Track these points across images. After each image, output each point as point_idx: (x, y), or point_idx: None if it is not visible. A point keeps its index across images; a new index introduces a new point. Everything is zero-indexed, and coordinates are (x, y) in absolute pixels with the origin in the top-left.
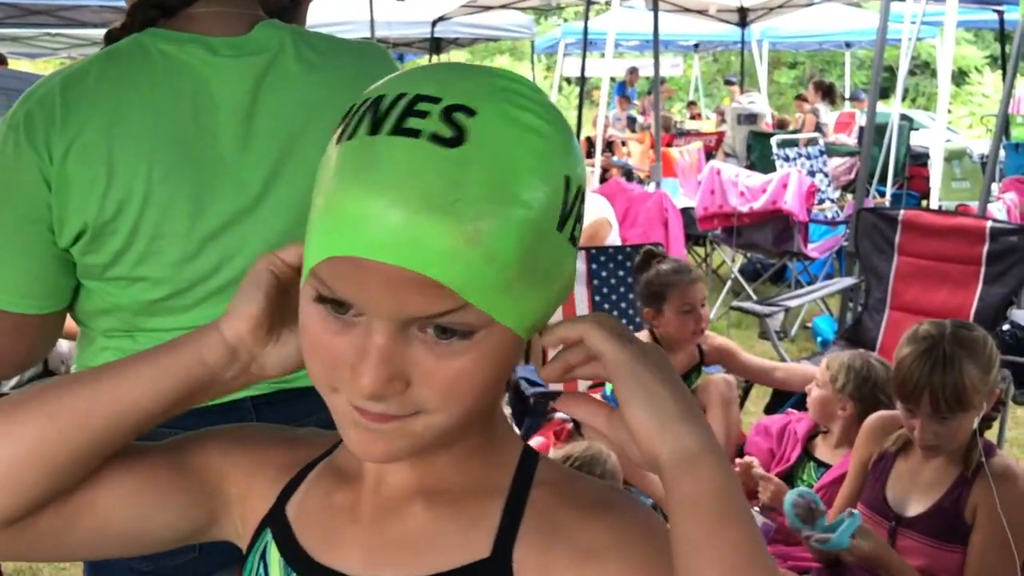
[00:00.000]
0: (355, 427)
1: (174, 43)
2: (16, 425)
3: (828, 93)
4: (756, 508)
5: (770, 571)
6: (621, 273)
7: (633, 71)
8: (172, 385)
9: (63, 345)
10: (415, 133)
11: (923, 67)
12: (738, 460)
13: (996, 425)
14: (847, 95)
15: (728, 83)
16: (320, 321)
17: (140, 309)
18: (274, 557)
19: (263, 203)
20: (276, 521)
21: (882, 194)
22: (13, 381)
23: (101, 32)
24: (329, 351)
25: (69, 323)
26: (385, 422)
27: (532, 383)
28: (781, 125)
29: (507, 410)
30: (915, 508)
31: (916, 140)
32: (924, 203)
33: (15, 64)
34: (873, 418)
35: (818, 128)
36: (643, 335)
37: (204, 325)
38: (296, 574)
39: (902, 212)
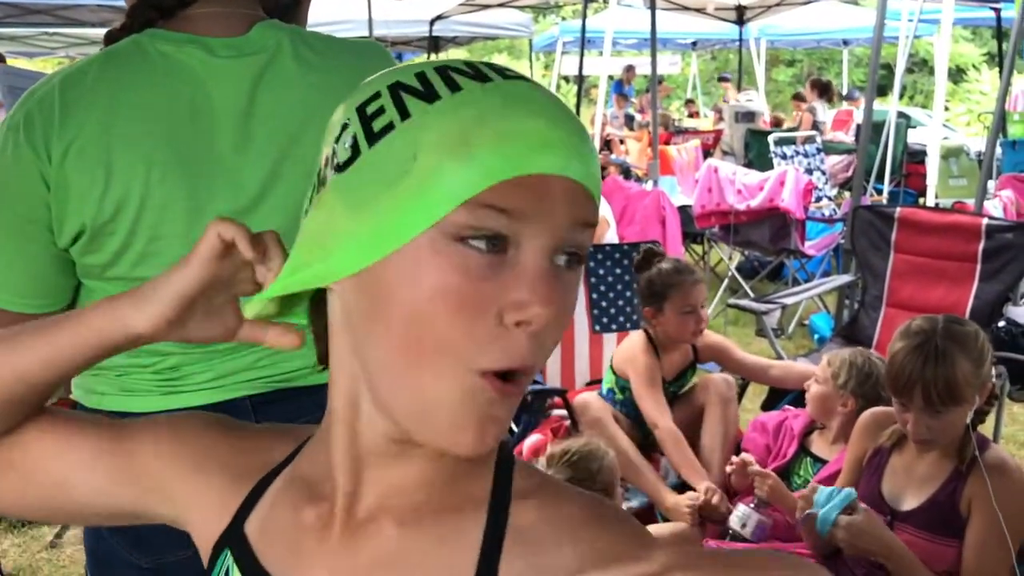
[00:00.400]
0: (473, 417)
1: (172, 44)
2: None
3: (824, 91)
4: (751, 505)
5: None
6: (618, 271)
7: (629, 69)
8: (92, 353)
9: None
10: (520, 77)
11: (921, 65)
12: (734, 458)
13: (992, 421)
14: (844, 93)
15: (722, 80)
16: (461, 266)
17: None
18: None
19: (261, 204)
20: (235, 540)
21: (880, 191)
22: None
23: (99, 31)
24: (476, 301)
25: None
26: (516, 393)
27: None
28: (777, 123)
29: None
30: (911, 502)
31: (914, 138)
32: (922, 200)
33: (13, 63)
34: (868, 414)
35: (815, 126)
36: (639, 334)
37: (127, 295)
38: None
39: (898, 209)
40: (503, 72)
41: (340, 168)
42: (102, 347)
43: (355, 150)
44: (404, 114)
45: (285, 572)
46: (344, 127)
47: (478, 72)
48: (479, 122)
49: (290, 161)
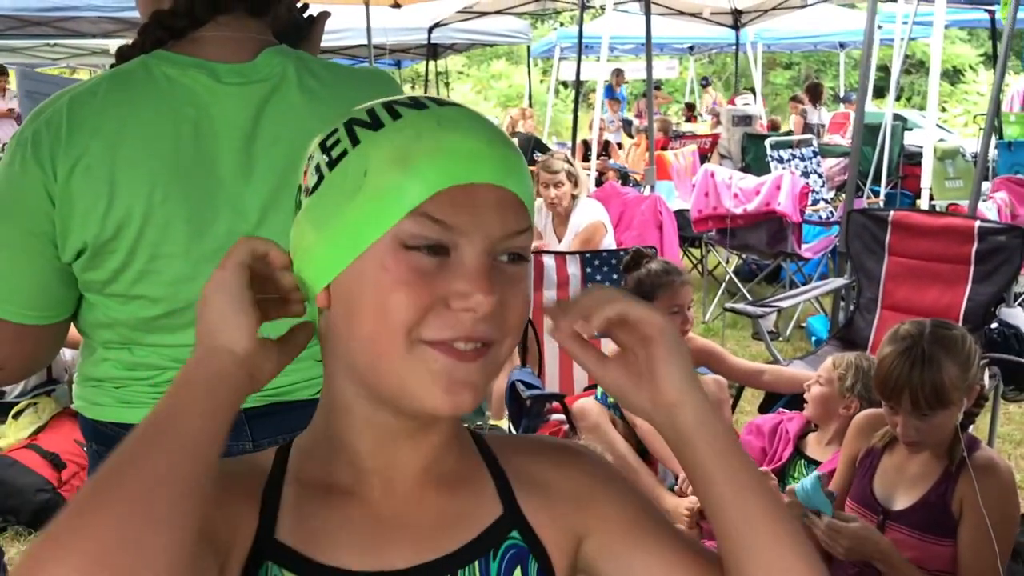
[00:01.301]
0: (439, 379)
1: (178, 67)
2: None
3: (814, 94)
4: None
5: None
6: (615, 276)
7: (618, 73)
8: (224, 421)
9: (67, 354)
10: (453, 104)
11: (918, 66)
12: None
13: (987, 421)
14: (842, 95)
15: (704, 85)
16: (408, 268)
17: (138, 325)
18: None
19: (260, 229)
20: (272, 551)
21: (876, 194)
22: (18, 388)
23: (100, 42)
24: (422, 294)
25: (73, 332)
26: (475, 359)
27: (528, 385)
28: (774, 127)
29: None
30: (902, 502)
31: (911, 140)
32: (918, 203)
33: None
34: (862, 415)
35: (807, 129)
36: None
37: (197, 354)
38: None
39: (892, 213)
40: (439, 101)
41: (309, 193)
42: (227, 392)
43: (319, 175)
44: (355, 142)
45: (354, 560)
46: (310, 159)
47: (416, 102)
48: (416, 139)
49: (289, 189)
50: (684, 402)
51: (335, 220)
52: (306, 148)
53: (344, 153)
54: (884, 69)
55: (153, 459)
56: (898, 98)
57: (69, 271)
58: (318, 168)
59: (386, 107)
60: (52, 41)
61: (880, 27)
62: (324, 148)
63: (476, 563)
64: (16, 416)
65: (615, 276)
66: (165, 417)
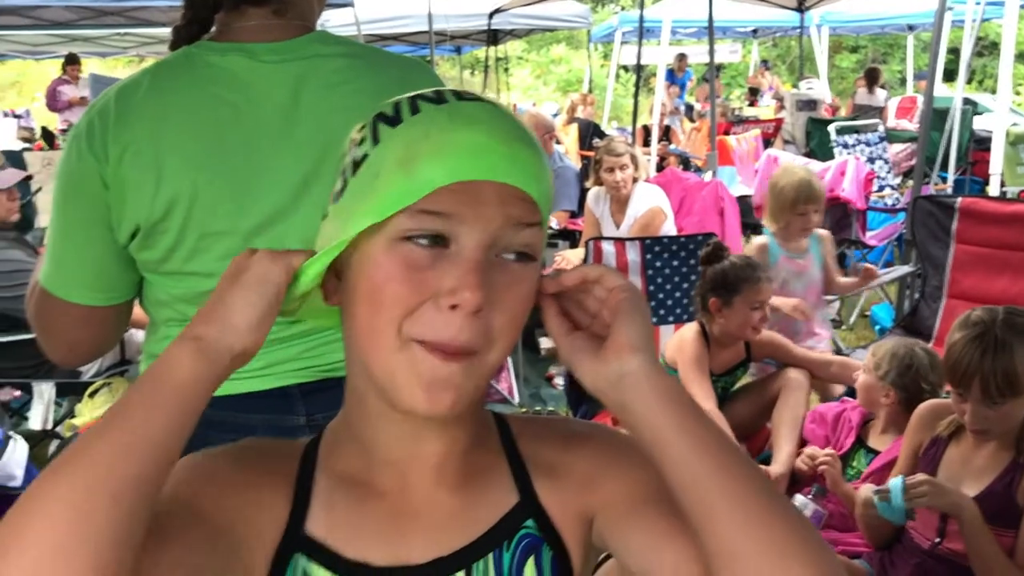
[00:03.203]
0: (422, 379)
1: (217, 53)
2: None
3: (871, 78)
4: (809, 497)
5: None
6: (675, 263)
7: (682, 57)
8: (198, 406)
9: (138, 335)
10: (476, 97)
11: (991, 48)
12: (805, 450)
13: None
14: (910, 78)
15: (764, 68)
16: (403, 260)
17: (193, 300)
18: None
19: (301, 202)
20: (303, 544)
21: (944, 180)
22: (93, 368)
23: (168, 31)
24: (414, 286)
25: (140, 314)
26: (459, 360)
27: None
28: (836, 111)
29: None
30: (967, 492)
31: (981, 124)
32: (988, 189)
33: (87, 63)
34: (925, 406)
35: (858, 109)
36: (692, 325)
37: (193, 336)
38: None
39: (959, 200)
40: (462, 95)
41: (335, 199)
42: (214, 384)
43: (344, 181)
44: (376, 140)
45: (373, 555)
46: (342, 157)
47: (439, 96)
48: (424, 137)
49: (328, 163)
50: (636, 351)
51: (347, 219)
52: (343, 124)
53: (365, 156)
54: (954, 51)
55: (94, 456)
56: (969, 81)
57: (127, 253)
58: (344, 171)
59: (410, 101)
60: (123, 30)
61: (951, 8)
62: (352, 146)
63: (490, 555)
64: (92, 395)
65: (675, 263)
66: (120, 411)
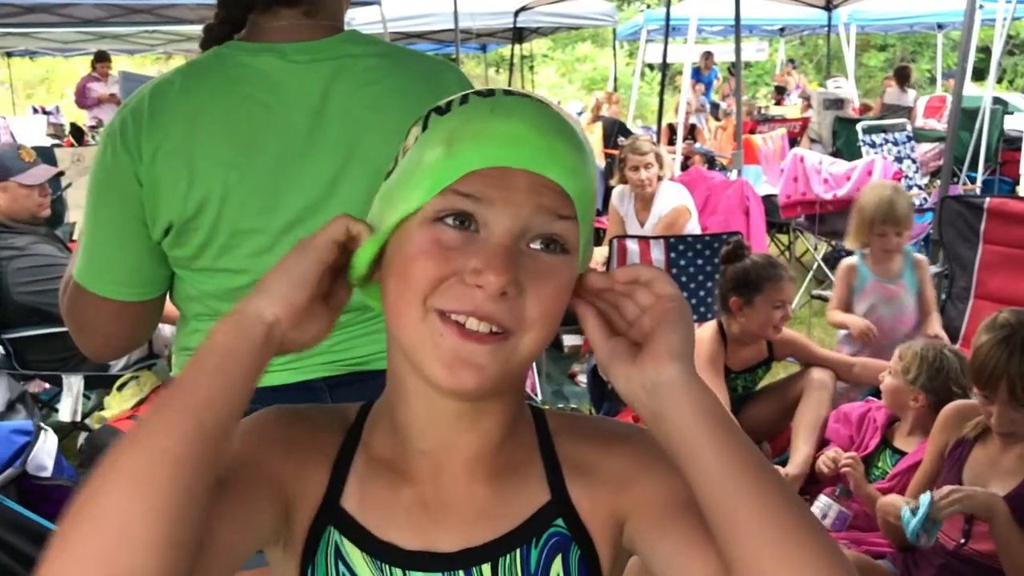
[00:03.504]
0: (443, 355)
1: (249, 53)
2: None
3: (901, 76)
4: (833, 497)
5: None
6: (700, 262)
7: (708, 56)
8: (250, 379)
9: (165, 330)
10: (524, 94)
11: (1022, 47)
12: (826, 451)
13: None
14: (939, 77)
15: (790, 66)
16: (434, 238)
17: (224, 296)
18: (355, 554)
19: (330, 199)
20: (337, 518)
21: (973, 180)
22: (121, 362)
23: (196, 28)
24: (442, 262)
25: (171, 309)
26: (485, 342)
27: None
28: (865, 111)
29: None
30: None
31: (1012, 124)
32: (1018, 189)
33: (116, 60)
34: (951, 407)
35: (887, 109)
36: (711, 326)
37: (236, 309)
38: (390, 566)
39: (988, 200)
40: (510, 92)
41: (387, 177)
42: (252, 352)
43: (396, 163)
44: (425, 127)
45: (402, 539)
46: (403, 142)
47: (489, 91)
48: (466, 123)
49: (356, 161)
50: (675, 360)
51: (392, 200)
52: (371, 123)
53: (415, 140)
54: (984, 50)
55: (151, 427)
56: (999, 80)
57: (160, 249)
58: (397, 155)
59: (462, 95)
60: (151, 28)
61: (981, 6)
62: (407, 134)
63: (518, 551)
64: (120, 388)
65: (699, 262)
66: (176, 384)
